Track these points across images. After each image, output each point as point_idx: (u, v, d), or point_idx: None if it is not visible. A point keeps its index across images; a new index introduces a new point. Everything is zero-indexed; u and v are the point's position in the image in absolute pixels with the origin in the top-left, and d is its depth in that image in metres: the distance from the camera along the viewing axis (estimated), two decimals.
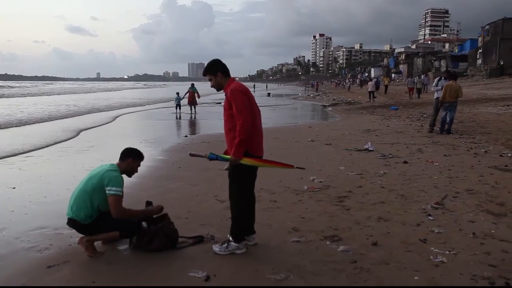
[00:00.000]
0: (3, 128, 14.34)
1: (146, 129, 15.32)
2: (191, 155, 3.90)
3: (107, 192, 3.56)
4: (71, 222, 3.68)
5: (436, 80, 12.20)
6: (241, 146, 3.43)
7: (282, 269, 3.30)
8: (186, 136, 12.77)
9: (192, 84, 21.76)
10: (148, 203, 4.07)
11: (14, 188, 6.15)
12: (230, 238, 3.65)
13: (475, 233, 3.97)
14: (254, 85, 64.68)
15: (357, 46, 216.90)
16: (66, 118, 18.67)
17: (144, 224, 3.83)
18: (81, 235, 3.70)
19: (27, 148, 9.76)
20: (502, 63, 43.93)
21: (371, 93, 27.68)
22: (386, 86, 36.56)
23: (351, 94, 38.81)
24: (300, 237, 3.96)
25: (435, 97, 11.63)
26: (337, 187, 5.87)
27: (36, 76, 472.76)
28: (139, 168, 3.95)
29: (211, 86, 3.70)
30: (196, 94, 20.79)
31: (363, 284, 3.07)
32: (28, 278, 3.26)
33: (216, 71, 3.61)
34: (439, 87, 11.33)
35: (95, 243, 3.70)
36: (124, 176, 3.78)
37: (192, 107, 20.43)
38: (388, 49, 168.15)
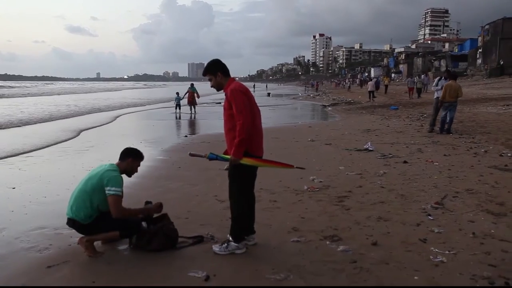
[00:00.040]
0: (4, 128, 14.33)
1: (146, 129, 15.33)
2: (191, 155, 3.90)
3: (106, 192, 3.56)
4: (71, 222, 3.68)
5: (436, 79, 12.21)
6: (241, 146, 3.43)
7: (282, 269, 3.30)
8: (186, 136, 12.77)
9: (192, 84, 21.76)
10: (148, 203, 4.07)
11: (14, 188, 6.15)
12: (230, 238, 3.65)
13: (475, 233, 3.97)
14: (254, 85, 64.69)
15: (357, 46, 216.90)
16: (67, 118, 18.67)
17: (144, 224, 3.83)
18: (80, 235, 3.70)
19: (28, 148, 9.75)
20: (502, 62, 43.93)
21: (371, 93, 27.70)
22: (386, 86, 36.58)
23: (351, 94, 38.81)
24: (300, 237, 3.96)
25: (435, 97, 11.64)
26: (337, 187, 5.87)
27: (36, 76, 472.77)
28: (139, 168, 3.95)
29: (211, 86, 3.70)
30: (195, 94, 20.79)
31: (363, 284, 3.07)
32: (28, 278, 3.26)
33: (216, 71, 3.61)
34: (439, 87, 11.33)
35: (95, 243, 3.70)
36: (124, 176, 3.79)
37: (192, 107, 20.43)
38: (388, 49, 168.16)
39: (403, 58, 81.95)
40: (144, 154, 4.03)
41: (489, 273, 3.13)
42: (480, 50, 52.29)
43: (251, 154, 3.53)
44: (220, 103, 25.89)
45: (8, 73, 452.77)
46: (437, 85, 11.65)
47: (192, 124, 17.25)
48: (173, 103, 21.62)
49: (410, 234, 4.00)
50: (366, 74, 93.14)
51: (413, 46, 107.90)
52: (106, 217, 3.65)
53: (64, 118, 18.43)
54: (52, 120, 17.42)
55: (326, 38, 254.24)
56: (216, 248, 3.67)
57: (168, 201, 5.10)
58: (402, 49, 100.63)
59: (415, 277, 3.13)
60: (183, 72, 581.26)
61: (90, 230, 3.65)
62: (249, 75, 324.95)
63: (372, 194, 5.44)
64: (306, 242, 3.87)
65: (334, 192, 5.58)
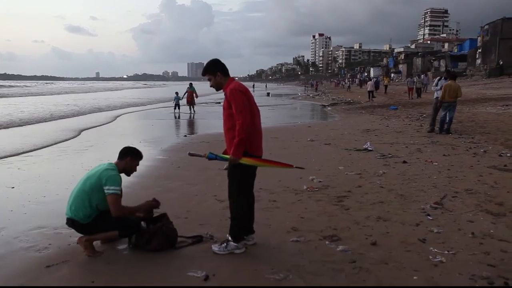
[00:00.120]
0: (5, 128, 14.31)
1: (145, 129, 15.32)
2: (190, 154, 3.89)
3: (105, 191, 3.56)
4: (70, 222, 3.68)
5: (436, 79, 12.22)
6: (240, 146, 3.42)
7: (281, 269, 3.30)
8: (185, 135, 12.77)
9: (191, 84, 21.80)
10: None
11: (13, 187, 6.15)
12: (229, 238, 3.65)
13: (474, 233, 3.97)
14: (253, 85, 64.70)
15: (356, 46, 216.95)
16: (67, 118, 18.68)
17: (143, 223, 3.83)
18: (80, 235, 3.70)
19: (27, 148, 9.74)
20: (501, 63, 43.97)
21: (370, 93, 27.72)
22: (386, 86, 36.62)
23: (351, 94, 38.83)
24: (299, 237, 3.96)
25: (435, 97, 11.64)
26: (336, 187, 5.87)
27: (35, 76, 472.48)
28: (138, 168, 3.95)
29: (211, 86, 3.70)
30: (194, 94, 20.84)
31: (362, 284, 3.07)
32: (27, 278, 3.26)
33: (215, 71, 3.61)
34: (439, 87, 11.33)
35: (94, 243, 3.70)
36: (123, 175, 3.78)
37: (191, 106, 20.46)
38: (388, 49, 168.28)
39: (403, 58, 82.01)
40: (144, 153, 4.03)
41: (488, 273, 3.13)
42: (480, 50, 52.32)
43: (251, 153, 3.53)
44: (219, 102, 25.88)
45: (7, 73, 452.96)
46: (437, 85, 11.65)
47: (192, 123, 17.25)
48: (172, 103, 21.63)
49: (409, 234, 4.00)
50: (366, 74, 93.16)
51: (413, 46, 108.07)
52: (105, 217, 3.64)
53: (64, 118, 18.43)
54: (53, 120, 17.42)
55: (326, 38, 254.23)
56: (215, 247, 3.67)
57: (168, 200, 5.10)
58: (402, 49, 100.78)
59: (414, 277, 3.13)
60: (183, 71, 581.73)
61: (89, 230, 3.65)
62: (248, 75, 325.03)
63: (372, 194, 5.44)
64: (306, 242, 3.87)
65: (334, 192, 5.58)
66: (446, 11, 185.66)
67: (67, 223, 3.72)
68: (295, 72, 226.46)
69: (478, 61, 52.01)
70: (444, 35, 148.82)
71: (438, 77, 12.54)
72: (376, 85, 33.63)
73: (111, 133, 13.96)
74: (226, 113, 3.57)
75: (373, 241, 3.80)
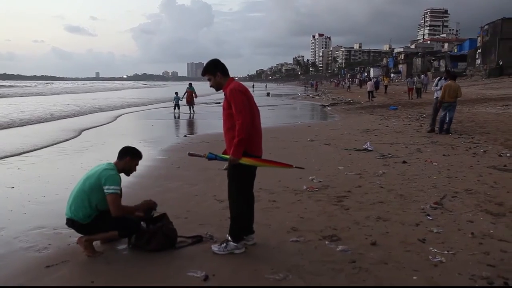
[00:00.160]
0: (5, 128, 14.30)
1: (145, 129, 15.32)
2: (190, 155, 3.89)
3: (105, 191, 3.56)
4: (70, 222, 3.68)
5: (436, 80, 12.22)
6: (240, 146, 3.42)
7: (281, 269, 3.30)
8: (185, 135, 12.77)
9: (190, 84, 21.83)
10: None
11: (13, 187, 6.15)
12: (229, 238, 3.65)
13: (473, 233, 3.97)
14: (253, 85, 64.72)
15: (356, 46, 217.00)
16: (68, 118, 18.69)
17: (143, 223, 3.83)
18: (80, 235, 3.70)
19: (28, 148, 9.73)
20: (501, 63, 43.97)
21: (370, 93, 27.72)
22: (386, 86, 36.63)
23: (350, 94, 38.83)
24: (299, 237, 3.96)
25: (435, 97, 11.65)
26: (336, 187, 5.87)
27: (35, 76, 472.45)
28: (137, 167, 3.95)
29: (210, 86, 3.70)
30: (193, 94, 20.87)
31: (362, 284, 3.07)
32: (26, 278, 3.26)
33: (215, 71, 3.61)
34: (439, 87, 11.33)
35: (94, 243, 3.70)
36: (123, 175, 3.78)
37: (190, 107, 20.48)
38: (387, 49, 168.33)
39: (403, 58, 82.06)
40: (143, 153, 4.03)
41: (488, 273, 3.13)
42: (480, 51, 52.34)
43: (250, 154, 3.53)
44: (219, 103, 25.88)
45: (7, 73, 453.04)
46: (437, 85, 11.65)
47: (191, 123, 17.25)
48: (172, 103, 21.63)
49: (409, 234, 4.00)
50: (366, 74, 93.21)
51: (413, 46, 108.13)
52: (105, 217, 3.64)
53: (65, 118, 18.42)
54: (53, 120, 17.42)
55: (326, 38, 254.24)
56: (215, 248, 3.67)
57: (167, 200, 5.12)
58: (402, 49, 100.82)
59: (414, 277, 3.13)
60: (183, 71, 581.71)
61: (89, 230, 3.65)
62: (248, 75, 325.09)
63: (371, 194, 5.44)
64: (305, 242, 3.87)
65: (333, 192, 5.58)
66: (446, 11, 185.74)
67: (66, 223, 3.72)
68: (295, 72, 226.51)
69: (478, 61, 52.02)
70: (444, 35, 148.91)
71: (438, 77, 12.54)
72: (376, 85, 33.66)
73: (111, 133, 13.96)
74: (226, 113, 3.57)
75: (373, 241, 3.80)
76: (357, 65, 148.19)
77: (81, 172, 4.34)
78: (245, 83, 4.41)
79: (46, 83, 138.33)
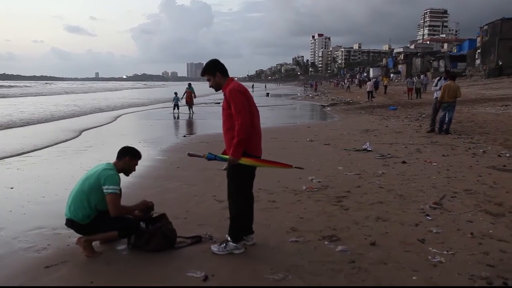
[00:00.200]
0: (5, 129, 14.29)
1: (145, 129, 15.32)
2: (190, 155, 3.89)
3: (104, 191, 3.56)
4: (70, 223, 3.68)
5: (436, 80, 12.22)
6: (239, 146, 3.42)
7: (281, 269, 3.30)
8: (184, 136, 12.77)
9: (189, 84, 21.85)
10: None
11: (12, 188, 6.14)
12: (229, 238, 3.65)
13: (473, 233, 3.97)
14: (252, 85, 64.76)
15: (355, 46, 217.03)
16: (69, 118, 18.69)
17: (142, 224, 3.83)
18: (79, 235, 3.70)
19: (28, 149, 9.73)
20: (500, 63, 44.02)
21: (370, 93, 27.74)
22: (386, 86, 36.64)
23: (350, 94, 38.84)
24: (298, 237, 3.96)
25: (434, 97, 11.65)
26: (336, 187, 5.87)
27: (34, 76, 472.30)
28: (137, 168, 3.95)
29: (210, 86, 3.70)
30: (192, 94, 20.91)
31: (361, 284, 3.07)
32: (26, 279, 3.26)
33: (214, 71, 3.61)
34: (438, 87, 11.34)
35: (93, 243, 3.70)
36: (122, 175, 3.78)
37: (189, 107, 20.51)
38: (387, 49, 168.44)
39: (402, 58, 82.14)
40: (143, 154, 4.03)
41: (487, 273, 3.13)
42: (479, 51, 52.41)
43: (250, 154, 3.53)
44: (219, 103, 25.89)
45: (6, 73, 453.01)
46: (436, 85, 11.65)
47: (191, 124, 17.25)
48: (171, 103, 21.65)
49: (408, 234, 4.00)
50: (365, 74, 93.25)
51: (412, 47, 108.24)
52: (105, 217, 3.64)
53: (65, 118, 18.42)
54: (53, 121, 17.41)
55: (325, 38, 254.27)
56: (214, 248, 3.66)
57: (167, 201, 5.12)
58: (401, 49, 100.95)
59: (414, 277, 3.13)
60: (182, 72, 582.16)
61: (88, 230, 3.65)
62: (248, 75, 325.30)
63: (371, 194, 5.44)
64: (305, 242, 3.87)
65: (333, 192, 5.58)
66: (445, 11, 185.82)
67: (66, 224, 3.72)
68: (295, 73, 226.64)
69: (477, 61, 52.08)
70: (444, 35, 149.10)
71: (438, 77, 12.55)
72: (376, 86, 33.68)
73: (111, 133, 13.96)
74: (225, 114, 3.57)
75: (372, 241, 3.80)
76: (356, 65, 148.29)
77: (81, 173, 4.34)
78: (244, 83, 4.41)
79: (46, 83, 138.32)
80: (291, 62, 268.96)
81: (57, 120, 17.69)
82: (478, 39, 55.15)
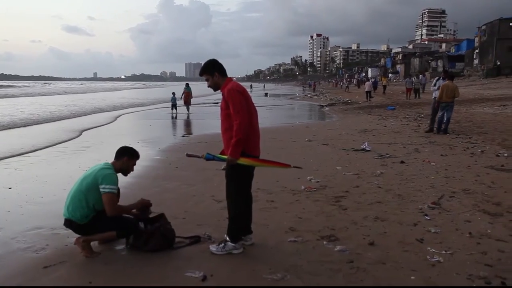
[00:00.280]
0: (4, 129, 14.25)
1: (143, 129, 15.30)
2: (188, 155, 3.89)
3: (101, 190, 3.55)
4: (68, 223, 3.67)
5: (435, 80, 12.25)
6: (238, 146, 3.42)
7: (279, 269, 3.30)
8: (183, 136, 12.76)
9: (187, 84, 21.89)
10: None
11: (11, 188, 6.13)
12: (227, 238, 3.65)
13: (471, 232, 3.98)
14: (251, 85, 64.73)
15: (354, 46, 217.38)
16: (70, 118, 18.66)
17: (141, 224, 3.82)
18: (77, 235, 3.69)
19: (28, 149, 9.69)
20: (498, 63, 44.11)
21: (368, 93, 27.75)
22: (385, 86, 36.67)
23: (348, 94, 38.86)
24: (297, 237, 3.96)
25: (433, 97, 11.67)
26: (334, 187, 5.88)
27: (32, 76, 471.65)
28: (135, 168, 3.95)
29: (208, 86, 3.70)
30: (190, 94, 20.98)
31: (360, 284, 3.08)
32: (24, 279, 3.25)
33: (213, 71, 3.61)
34: (437, 87, 11.36)
35: (92, 243, 3.69)
36: (120, 175, 3.78)
37: (188, 107, 20.54)
38: (385, 49, 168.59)
39: (400, 58, 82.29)
40: (141, 154, 4.03)
41: (485, 273, 3.14)
42: (477, 51, 52.51)
43: (248, 154, 3.53)
44: (217, 103, 25.87)
45: (4, 73, 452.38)
46: (435, 85, 11.67)
47: (189, 124, 17.25)
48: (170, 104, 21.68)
49: (407, 234, 4.01)
50: (364, 74, 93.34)
51: (410, 47, 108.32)
52: (103, 217, 3.63)
53: (65, 119, 18.38)
54: (54, 121, 17.37)
55: (324, 38, 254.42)
56: (213, 248, 3.66)
57: (165, 201, 5.11)
58: (399, 49, 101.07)
59: (412, 277, 3.14)
60: (181, 72, 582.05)
61: (87, 230, 3.64)
62: (246, 75, 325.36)
63: (369, 194, 5.45)
64: (303, 242, 3.87)
65: (331, 192, 5.58)
66: (443, 12, 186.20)
67: (64, 224, 3.71)
68: (293, 73, 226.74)
69: (476, 61, 52.17)
70: (442, 35, 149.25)
71: (436, 77, 12.57)
72: (374, 86, 33.70)
73: (110, 133, 13.93)
74: (223, 114, 3.57)
75: (371, 241, 3.81)
76: (355, 65, 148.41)
77: (79, 173, 4.33)
78: (243, 83, 4.42)
79: (45, 83, 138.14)
80: (290, 62, 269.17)
81: (58, 120, 17.66)
82: (476, 39, 55.24)
